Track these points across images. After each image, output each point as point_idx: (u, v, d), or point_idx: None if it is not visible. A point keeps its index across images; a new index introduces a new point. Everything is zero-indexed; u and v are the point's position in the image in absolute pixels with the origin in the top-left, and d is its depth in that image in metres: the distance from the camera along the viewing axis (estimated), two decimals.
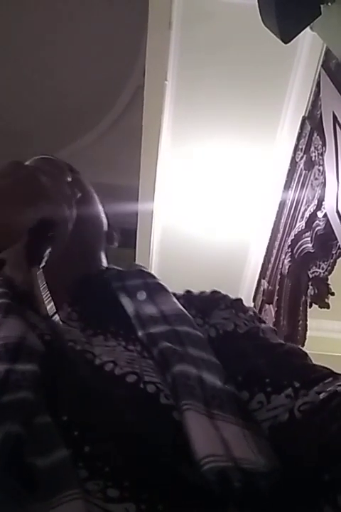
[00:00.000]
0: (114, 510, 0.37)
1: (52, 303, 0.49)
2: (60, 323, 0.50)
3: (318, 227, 2.19)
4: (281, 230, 2.74)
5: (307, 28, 1.39)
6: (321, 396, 0.44)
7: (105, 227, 0.75)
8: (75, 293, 0.61)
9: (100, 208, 0.76)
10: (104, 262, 0.73)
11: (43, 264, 0.50)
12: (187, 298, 0.67)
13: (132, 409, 0.44)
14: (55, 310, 0.48)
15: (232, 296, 0.66)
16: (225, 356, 0.55)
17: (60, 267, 0.52)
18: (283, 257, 2.67)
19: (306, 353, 0.55)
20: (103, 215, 0.76)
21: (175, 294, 0.67)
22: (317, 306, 2.41)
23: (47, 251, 0.51)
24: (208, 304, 0.65)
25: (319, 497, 0.39)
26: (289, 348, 0.55)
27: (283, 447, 0.44)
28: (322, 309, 2.38)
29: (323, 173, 2.11)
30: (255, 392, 0.50)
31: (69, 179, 0.63)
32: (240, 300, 0.65)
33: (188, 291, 0.69)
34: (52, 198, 0.51)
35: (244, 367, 0.53)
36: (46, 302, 0.46)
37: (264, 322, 0.62)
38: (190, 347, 0.51)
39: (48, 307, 0.46)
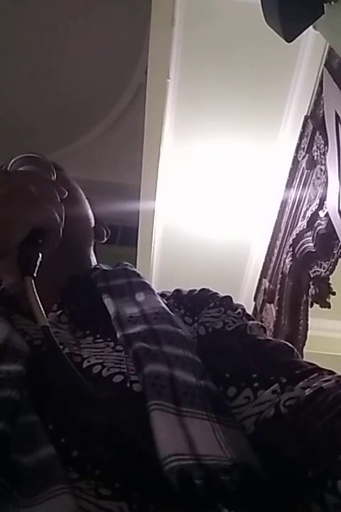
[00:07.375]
0: (107, 506, 0.37)
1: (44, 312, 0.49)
2: (50, 327, 0.50)
3: (320, 227, 2.19)
4: (283, 230, 2.74)
5: (310, 27, 1.39)
6: (306, 392, 0.44)
7: (92, 223, 0.74)
8: (65, 294, 0.61)
9: (87, 204, 0.75)
10: (93, 260, 0.73)
11: (36, 273, 0.50)
12: (177, 297, 0.67)
13: (119, 409, 0.44)
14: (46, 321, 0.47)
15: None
16: (213, 353, 0.55)
17: (49, 268, 0.51)
18: (285, 256, 2.67)
19: (293, 349, 0.55)
20: (90, 212, 0.75)
21: (164, 294, 0.68)
22: (318, 305, 2.42)
23: (39, 259, 0.50)
24: (198, 303, 0.65)
25: (304, 494, 0.39)
26: (276, 344, 0.55)
27: (267, 443, 0.44)
28: (323, 309, 2.39)
29: (325, 172, 2.11)
30: (242, 388, 0.50)
31: (54, 177, 0.62)
32: (229, 297, 0.65)
33: (177, 290, 0.69)
34: (42, 207, 0.49)
35: (231, 363, 0.53)
36: (41, 311, 0.46)
37: (253, 319, 0.62)
38: (166, 345, 0.50)
39: (43, 317, 0.46)
